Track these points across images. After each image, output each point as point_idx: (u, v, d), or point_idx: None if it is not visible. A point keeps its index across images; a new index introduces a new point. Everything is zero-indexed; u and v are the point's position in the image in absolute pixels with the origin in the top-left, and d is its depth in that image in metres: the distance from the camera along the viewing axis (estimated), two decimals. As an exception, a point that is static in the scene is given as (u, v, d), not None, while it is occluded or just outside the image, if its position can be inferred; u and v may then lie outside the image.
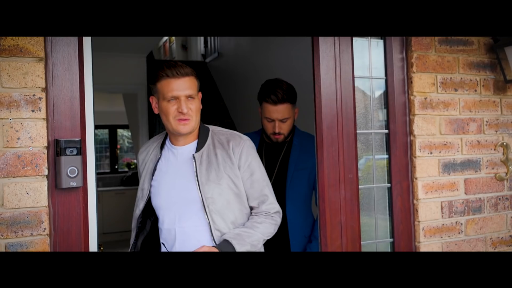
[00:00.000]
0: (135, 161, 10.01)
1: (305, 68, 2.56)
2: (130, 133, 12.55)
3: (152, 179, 1.92)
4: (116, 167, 10.39)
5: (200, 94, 1.89)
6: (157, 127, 5.51)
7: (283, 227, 2.30)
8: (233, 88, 5.84)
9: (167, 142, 1.96)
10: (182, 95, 1.79)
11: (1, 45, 1.54)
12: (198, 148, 1.87)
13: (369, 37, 2.22)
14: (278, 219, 1.92)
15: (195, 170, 1.82)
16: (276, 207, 1.92)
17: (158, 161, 1.93)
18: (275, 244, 2.27)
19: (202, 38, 7.62)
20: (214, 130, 1.96)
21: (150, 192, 1.92)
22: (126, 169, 9.83)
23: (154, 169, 1.92)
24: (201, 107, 1.88)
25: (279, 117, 2.37)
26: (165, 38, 9.38)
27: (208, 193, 1.81)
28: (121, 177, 8.92)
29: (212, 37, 6.94)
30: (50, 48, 1.62)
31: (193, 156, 1.84)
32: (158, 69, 1.84)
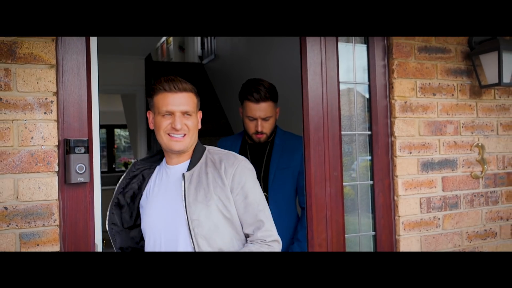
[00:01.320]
0: (132, 160, 10.16)
1: (300, 71, 2.72)
2: (127, 133, 12.70)
3: (140, 198, 1.87)
4: (114, 166, 10.54)
5: (200, 113, 1.83)
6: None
7: None
8: (229, 89, 6.00)
9: (164, 160, 1.89)
10: (177, 110, 1.72)
11: (17, 53, 1.70)
12: (190, 167, 1.76)
13: (353, 42, 2.39)
14: (276, 248, 1.74)
15: (183, 189, 1.71)
16: (274, 234, 1.76)
17: (149, 180, 1.88)
18: None
19: (199, 39, 7.78)
20: (210, 149, 1.85)
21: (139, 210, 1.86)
22: (124, 168, 9.98)
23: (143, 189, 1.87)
24: (199, 126, 1.81)
25: (261, 115, 2.37)
26: (163, 39, 9.54)
27: (194, 215, 1.68)
28: (118, 176, 9.03)
29: (209, 39, 7.11)
30: (60, 56, 1.79)
31: (183, 175, 1.73)
32: (155, 83, 1.78)
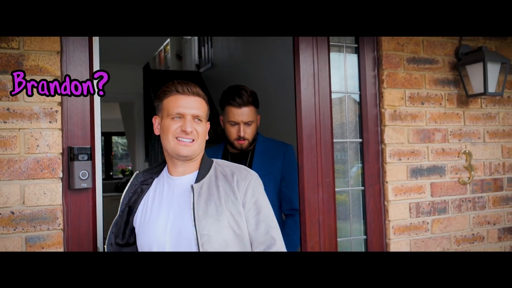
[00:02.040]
0: (129, 167, 10.23)
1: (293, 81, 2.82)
2: (123, 140, 12.78)
3: (140, 212, 1.73)
4: (111, 173, 10.60)
5: (208, 124, 1.75)
6: (153, 136, 5.75)
7: None
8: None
9: (164, 171, 1.77)
10: (188, 113, 1.65)
11: (24, 65, 1.80)
12: (199, 179, 1.66)
13: (344, 52, 2.50)
14: None
15: (192, 201, 1.60)
16: None
17: (148, 192, 1.75)
18: None
19: (196, 48, 7.88)
20: (218, 162, 1.76)
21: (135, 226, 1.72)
22: (121, 176, 10.03)
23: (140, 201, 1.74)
24: (207, 136, 1.73)
25: (244, 119, 2.36)
26: (161, 47, 9.64)
27: (205, 229, 1.56)
28: (115, 183, 9.12)
29: (206, 48, 7.22)
30: (65, 68, 1.88)
31: (192, 187, 1.63)
32: (167, 85, 1.71)
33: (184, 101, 1.66)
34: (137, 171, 1.79)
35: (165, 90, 1.70)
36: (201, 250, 1.54)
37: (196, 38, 7.66)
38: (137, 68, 5.85)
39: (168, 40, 8.39)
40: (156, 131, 1.74)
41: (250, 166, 2.42)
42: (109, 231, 1.72)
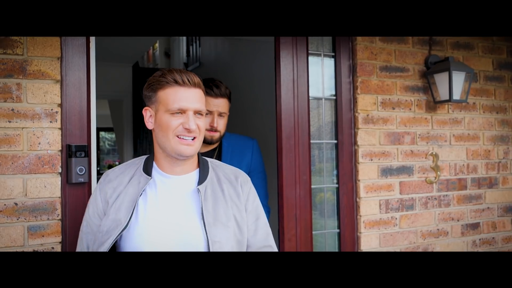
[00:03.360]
0: (117, 162, 10.35)
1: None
2: (110, 136, 12.87)
3: (133, 212, 1.49)
4: (98, 168, 10.69)
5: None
6: (141, 133, 5.91)
7: None
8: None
9: (155, 168, 1.57)
10: (191, 108, 1.47)
11: (27, 70, 1.97)
12: (201, 180, 1.54)
13: (322, 56, 2.70)
14: None
15: (201, 206, 1.48)
16: None
17: (144, 189, 1.52)
18: None
19: (184, 47, 8.04)
20: (213, 161, 1.66)
21: (127, 227, 1.48)
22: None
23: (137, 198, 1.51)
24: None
25: (219, 109, 2.30)
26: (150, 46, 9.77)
27: (216, 237, 1.45)
28: (103, 178, 9.20)
29: (195, 47, 7.38)
30: (64, 72, 2.06)
31: (198, 190, 1.51)
32: (163, 73, 1.51)
33: (185, 94, 1.47)
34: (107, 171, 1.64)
35: (160, 79, 1.49)
36: None
37: (184, 37, 7.81)
38: (126, 67, 6.00)
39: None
40: (149, 125, 1.55)
41: None
42: (88, 242, 1.58)
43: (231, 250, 1.48)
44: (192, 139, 1.49)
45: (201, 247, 1.45)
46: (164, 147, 1.52)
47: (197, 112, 1.50)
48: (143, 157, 1.65)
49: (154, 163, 1.59)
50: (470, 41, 3.08)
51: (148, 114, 1.55)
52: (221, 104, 2.32)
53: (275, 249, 1.63)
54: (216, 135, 2.33)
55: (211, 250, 1.42)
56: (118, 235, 1.46)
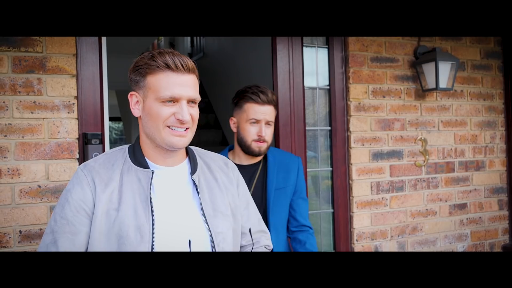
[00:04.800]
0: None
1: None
2: (117, 125, 13.10)
3: (152, 209, 1.33)
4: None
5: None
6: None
7: None
8: (216, 86, 6.49)
9: (144, 160, 1.40)
10: (184, 96, 1.33)
11: (47, 66, 2.18)
12: (193, 170, 1.43)
13: (316, 47, 2.90)
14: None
15: (199, 198, 1.40)
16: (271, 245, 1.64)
17: (151, 183, 1.35)
18: None
19: (189, 37, 8.23)
20: (197, 149, 1.54)
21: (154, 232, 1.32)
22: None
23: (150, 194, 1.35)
24: None
25: (266, 118, 2.11)
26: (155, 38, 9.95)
27: (218, 227, 1.38)
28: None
29: (198, 38, 7.56)
30: (80, 68, 2.27)
31: (193, 180, 1.41)
32: (152, 56, 1.34)
33: (178, 80, 1.33)
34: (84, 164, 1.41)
35: (150, 63, 1.33)
36: (217, 250, 1.36)
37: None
38: (132, 58, 6.19)
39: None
40: (135, 112, 1.39)
41: (264, 179, 2.19)
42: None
43: (231, 239, 1.42)
44: (185, 130, 1.35)
45: (205, 240, 1.36)
46: (153, 138, 1.36)
47: (191, 101, 1.36)
48: (123, 148, 1.46)
49: (139, 153, 1.41)
50: (458, 32, 3.26)
51: (134, 100, 1.38)
52: (268, 112, 2.12)
53: (268, 234, 1.62)
54: (264, 146, 2.12)
55: (215, 242, 1.36)
56: (151, 241, 1.30)
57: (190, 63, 1.35)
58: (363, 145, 2.92)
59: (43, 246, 1.32)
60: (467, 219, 3.27)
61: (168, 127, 1.34)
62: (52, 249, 1.30)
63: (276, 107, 2.19)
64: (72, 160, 2.23)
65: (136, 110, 1.39)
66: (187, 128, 1.36)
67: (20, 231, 2.13)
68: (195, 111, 1.37)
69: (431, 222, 3.14)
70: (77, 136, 2.25)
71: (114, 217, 1.30)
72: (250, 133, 2.11)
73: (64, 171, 2.21)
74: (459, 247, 3.23)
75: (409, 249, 3.05)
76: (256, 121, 2.10)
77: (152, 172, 1.36)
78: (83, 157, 2.27)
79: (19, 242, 2.13)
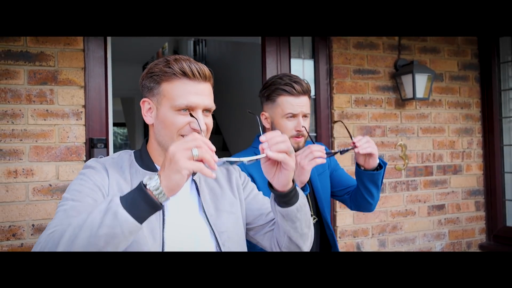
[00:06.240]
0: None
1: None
2: (122, 131, 13.41)
3: (163, 211, 1.31)
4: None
5: None
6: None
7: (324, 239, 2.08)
8: (218, 93, 6.76)
9: (152, 164, 1.38)
10: (201, 105, 1.30)
11: (58, 78, 2.46)
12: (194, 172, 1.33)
13: (303, 58, 3.16)
14: None
15: (199, 199, 1.38)
16: None
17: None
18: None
19: (192, 46, 8.54)
20: None
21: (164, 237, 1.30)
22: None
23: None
24: None
25: (303, 110, 1.93)
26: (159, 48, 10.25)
27: (222, 227, 1.37)
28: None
29: (201, 46, 7.86)
30: (87, 80, 2.55)
31: (194, 180, 1.40)
32: (167, 62, 1.31)
33: (194, 89, 1.30)
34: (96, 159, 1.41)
35: (165, 70, 1.31)
36: (222, 250, 1.34)
37: (191, 37, 8.29)
38: (137, 66, 6.49)
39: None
40: (148, 120, 1.37)
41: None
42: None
43: (239, 235, 1.40)
44: None
45: (210, 241, 1.34)
46: (165, 146, 1.32)
47: (206, 109, 1.33)
48: (128, 152, 1.45)
49: (145, 157, 1.39)
50: (437, 45, 3.52)
51: (146, 107, 1.36)
52: (304, 103, 1.95)
53: None
54: (302, 141, 1.96)
55: (219, 241, 1.33)
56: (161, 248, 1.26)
57: (207, 71, 1.33)
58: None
59: (60, 217, 1.19)
60: (445, 219, 3.51)
61: (182, 136, 1.30)
62: (71, 212, 1.20)
63: (310, 96, 2.01)
64: (80, 162, 2.50)
65: (148, 117, 1.36)
66: None
67: (33, 225, 2.40)
68: (210, 120, 1.34)
69: (410, 221, 3.38)
70: (84, 141, 2.52)
71: None
72: (288, 129, 1.93)
73: (72, 171, 2.48)
74: (437, 245, 3.47)
75: (389, 246, 3.29)
76: (293, 116, 1.93)
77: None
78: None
79: (31, 235, 2.40)
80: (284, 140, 1.21)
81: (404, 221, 3.36)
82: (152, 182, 1.06)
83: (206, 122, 1.32)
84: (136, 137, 6.91)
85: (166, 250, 1.27)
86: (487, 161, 3.66)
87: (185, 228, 1.33)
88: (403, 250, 3.34)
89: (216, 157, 1.10)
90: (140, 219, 1.06)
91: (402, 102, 3.36)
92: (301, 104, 1.93)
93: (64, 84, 2.48)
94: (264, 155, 1.20)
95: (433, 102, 3.49)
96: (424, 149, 3.45)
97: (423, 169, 3.44)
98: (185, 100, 1.27)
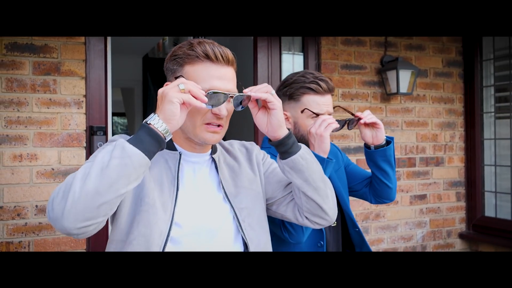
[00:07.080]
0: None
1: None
2: (122, 120, 13.59)
3: (177, 188, 1.32)
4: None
5: None
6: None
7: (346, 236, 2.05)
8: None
9: (172, 143, 1.37)
10: (224, 89, 1.27)
11: (61, 70, 2.64)
12: (213, 151, 1.43)
13: (293, 53, 3.33)
14: None
15: (219, 177, 1.39)
16: None
17: (179, 165, 1.34)
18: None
19: (192, 38, 8.67)
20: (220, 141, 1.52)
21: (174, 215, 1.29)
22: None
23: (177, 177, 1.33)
24: None
25: (329, 109, 1.90)
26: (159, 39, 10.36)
27: (242, 203, 1.38)
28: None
29: (201, 37, 7.99)
30: (88, 71, 2.72)
31: (212, 158, 1.41)
32: (191, 45, 1.30)
33: (217, 73, 1.28)
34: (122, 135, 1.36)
35: (189, 53, 1.29)
36: (242, 226, 1.35)
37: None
38: (137, 58, 6.65)
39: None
40: None
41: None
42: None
43: (259, 211, 1.42)
44: (218, 126, 1.31)
45: (229, 217, 1.36)
46: (186, 131, 1.34)
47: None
48: None
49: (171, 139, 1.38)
50: (422, 43, 3.68)
51: None
52: (329, 102, 1.90)
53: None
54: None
55: (239, 218, 1.35)
56: (170, 228, 1.26)
57: (230, 55, 1.32)
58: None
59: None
60: (426, 208, 3.69)
61: (205, 123, 1.30)
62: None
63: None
64: (80, 148, 2.68)
65: None
66: (219, 125, 1.32)
67: (36, 206, 2.59)
68: (231, 107, 1.31)
69: (392, 210, 3.56)
70: (85, 128, 2.70)
71: (142, 185, 1.27)
72: None
73: (73, 157, 2.67)
74: (419, 233, 3.66)
75: (372, 233, 3.48)
76: (316, 115, 1.85)
77: (180, 154, 1.34)
78: (89, 146, 2.72)
79: (35, 215, 2.59)
80: (265, 86, 1.31)
81: (387, 210, 3.54)
82: (151, 118, 1.15)
83: (227, 107, 1.30)
84: (135, 127, 7.08)
85: (175, 224, 1.28)
86: (468, 154, 3.84)
87: (201, 204, 1.33)
88: (385, 237, 3.53)
89: (202, 90, 1.19)
90: (147, 152, 1.12)
91: (387, 96, 3.53)
92: (327, 103, 1.87)
93: (66, 75, 2.66)
94: (248, 93, 1.29)
95: (417, 97, 3.66)
96: (408, 141, 3.63)
97: (406, 161, 3.62)
98: (207, 84, 1.25)
